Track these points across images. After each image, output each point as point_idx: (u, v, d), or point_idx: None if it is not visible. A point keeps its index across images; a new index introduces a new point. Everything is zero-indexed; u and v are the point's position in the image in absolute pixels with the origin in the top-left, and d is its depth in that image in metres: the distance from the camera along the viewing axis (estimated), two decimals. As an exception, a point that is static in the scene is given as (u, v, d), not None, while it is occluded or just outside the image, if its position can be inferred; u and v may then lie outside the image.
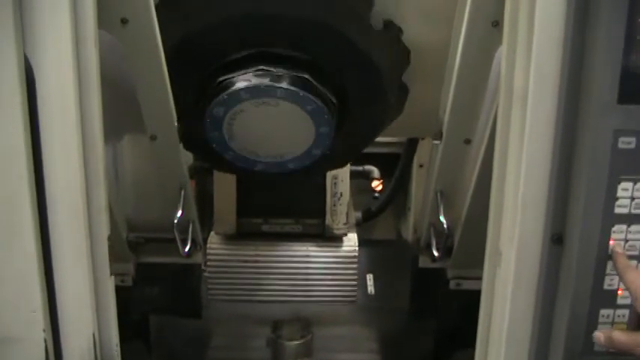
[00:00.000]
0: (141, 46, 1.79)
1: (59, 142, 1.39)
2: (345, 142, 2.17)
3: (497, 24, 1.71)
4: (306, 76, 1.95)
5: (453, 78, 1.92)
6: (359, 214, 3.30)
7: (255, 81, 1.93)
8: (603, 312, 1.36)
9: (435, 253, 2.37)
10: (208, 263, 2.81)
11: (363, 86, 2.04)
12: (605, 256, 1.33)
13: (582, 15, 1.26)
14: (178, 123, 2.03)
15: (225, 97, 1.95)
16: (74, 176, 1.42)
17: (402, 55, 2.08)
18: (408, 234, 2.98)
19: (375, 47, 1.97)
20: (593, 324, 1.37)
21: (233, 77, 1.96)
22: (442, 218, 2.26)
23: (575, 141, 1.32)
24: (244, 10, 1.89)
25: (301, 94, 1.94)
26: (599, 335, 1.33)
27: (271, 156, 2.12)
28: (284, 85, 1.93)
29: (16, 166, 1.34)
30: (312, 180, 2.81)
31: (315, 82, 1.96)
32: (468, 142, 2.08)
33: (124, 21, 1.72)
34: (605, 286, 1.35)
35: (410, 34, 2.06)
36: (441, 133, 2.08)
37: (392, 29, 2.01)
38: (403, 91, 2.16)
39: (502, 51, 1.49)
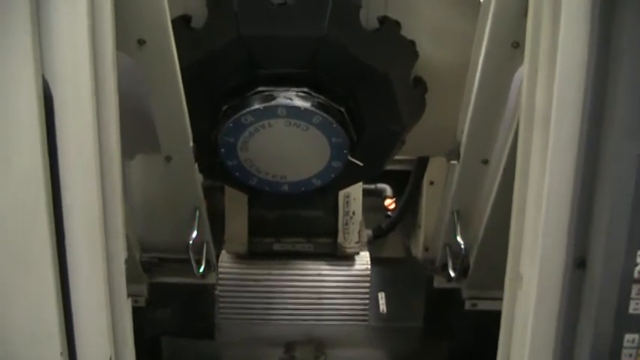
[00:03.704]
0: (158, 66, 1.79)
1: (77, 163, 1.38)
2: (370, 146, 2.16)
3: (517, 45, 1.70)
4: (305, 89, 1.97)
5: (471, 98, 1.91)
6: (370, 232, 3.29)
7: (256, 104, 1.95)
8: (628, 337, 1.34)
9: (452, 274, 2.35)
10: (220, 282, 2.80)
11: (369, 87, 2.04)
12: (630, 279, 1.31)
13: (606, 37, 1.25)
14: (194, 144, 2.03)
15: (231, 124, 1.97)
16: (92, 199, 1.41)
17: (405, 49, 2.07)
18: (418, 252, 2.96)
19: (370, 48, 1.98)
20: (617, 349, 1.35)
21: (234, 104, 1.98)
22: (459, 238, 2.24)
23: (598, 164, 1.31)
24: (233, 35, 1.91)
25: (303, 109, 1.94)
26: None
27: (295, 175, 2.12)
28: (284, 102, 1.94)
29: (34, 187, 1.33)
30: (324, 199, 2.80)
31: (315, 95, 1.97)
32: (485, 162, 2.06)
33: (140, 42, 1.71)
34: (630, 310, 1.33)
35: (426, 54, 2.06)
36: (459, 153, 2.07)
37: (388, 25, 2.01)
38: (420, 84, 2.14)
39: (523, 72, 1.48)
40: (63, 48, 1.32)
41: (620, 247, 1.30)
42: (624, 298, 1.32)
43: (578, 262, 1.36)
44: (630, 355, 1.35)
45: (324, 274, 2.85)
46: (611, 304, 1.33)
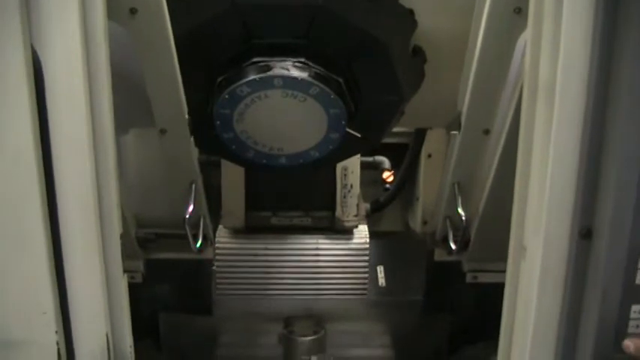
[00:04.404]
0: (151, 36, 1.75)
1: (69, 137, 1.35)
2: (368, 117, 2.12)
3: (519, 10, 1.67)
4: (302, 59, 1.92)
5: (472, 67, 1.88)
6: (368, 206, 3.27)
7: (251, 74, 1.91)
8: (635, 308, 1.32)
9: (452, 246, 2.33)
10: (217, 257, 2.78)
11: (367, 57, 1.99)
12: (638, 250, 1.28)
13: (613, 1, 1.22)
14: (189, 116, 1.99)
15: (227, 96, 1.93)
16: (85, 172, 1.37)
17: (404, 17, 2.02)
18: (416, 225, 2.95)
19: (368, 16, 1.93)
20: (623, 320, 1.32)
21: (229, 75, 1.94)
22: (460, 210, 2.22)
23: (605, 132, 1.27)
24: (227, 4, 1.87)
25: (299, 79, 1.90)
26: (628, 344, 1.30)
27: (293, 148, 2.09)
28: (280, 73, 1.90)
29: (25, 162, 1.29)
30: (322, 172, 2.78)
31: (312, 65, 1.93)
32: (486, 132, 2.04)
33: (133, 11, 1.68)
34: (638, 281, 1.30)
35: (425, 23, 2.02)
36: (459, 123, 2.04)
37: None
38: (419, 54, 2.11)
39: (526, 39, 1.44)
40: (52, 16, 1.28)
41: (628, 216, 1.27)
42: (631, 269, 1.30)
43: (584, 233, 1.33)
44: (637, 327, 1.32)
45: (323, 247, 2.83)
46: (618, 275, 1.30)
